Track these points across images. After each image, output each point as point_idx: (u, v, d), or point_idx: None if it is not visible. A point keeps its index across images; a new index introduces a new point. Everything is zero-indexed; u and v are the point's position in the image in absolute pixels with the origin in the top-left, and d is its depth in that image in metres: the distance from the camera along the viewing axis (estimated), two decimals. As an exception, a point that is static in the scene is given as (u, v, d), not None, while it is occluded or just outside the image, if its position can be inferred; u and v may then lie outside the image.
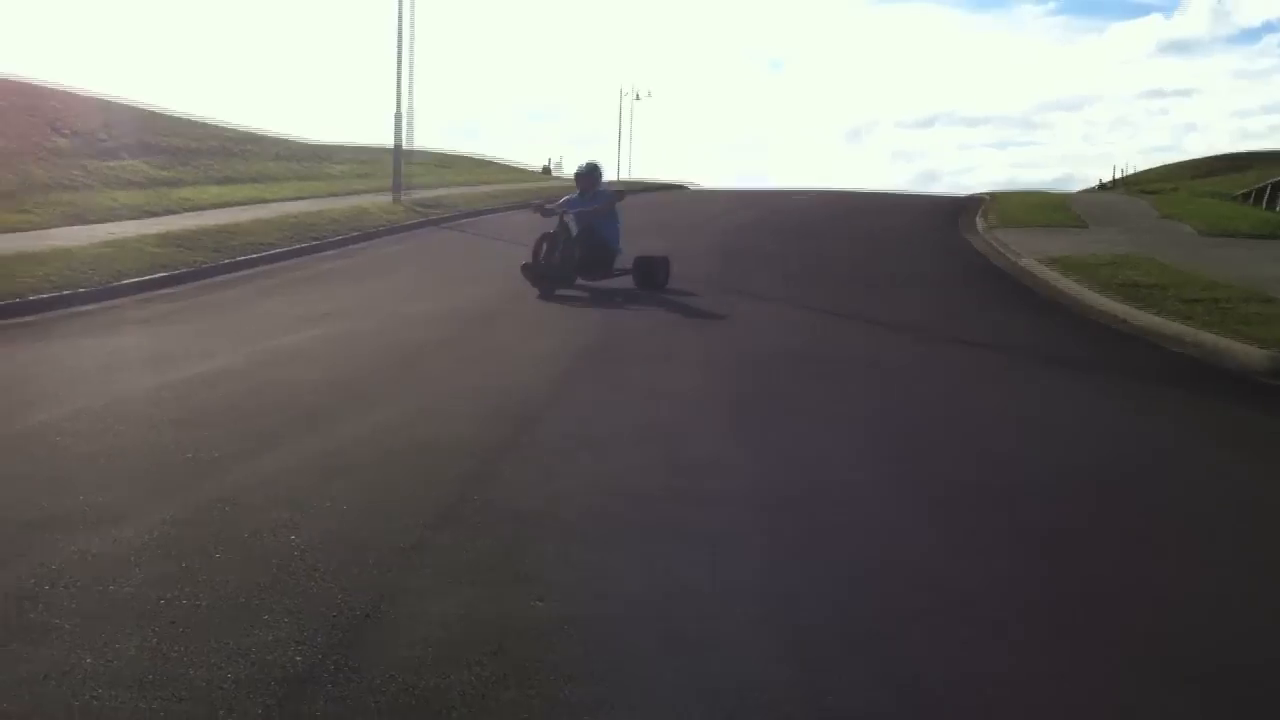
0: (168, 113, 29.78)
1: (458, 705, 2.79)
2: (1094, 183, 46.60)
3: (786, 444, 5.69)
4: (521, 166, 43.67)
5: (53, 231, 13.78)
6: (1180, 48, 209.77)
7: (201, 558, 3.76)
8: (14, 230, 13.60)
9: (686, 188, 37.57)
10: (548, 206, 12.18)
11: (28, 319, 9.22)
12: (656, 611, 3.42)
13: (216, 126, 30.48)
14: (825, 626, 3.39)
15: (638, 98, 51.81)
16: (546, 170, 45.30)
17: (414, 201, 21.63)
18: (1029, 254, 14.33)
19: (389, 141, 22.80)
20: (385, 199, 21.65)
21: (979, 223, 19.94)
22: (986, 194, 27.73)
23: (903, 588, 3.73)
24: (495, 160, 43.98)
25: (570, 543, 4.01)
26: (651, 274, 11.77)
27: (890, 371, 7.83)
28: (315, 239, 15.37)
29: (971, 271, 14.54)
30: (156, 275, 11.38)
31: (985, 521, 4.47)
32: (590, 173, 12.65)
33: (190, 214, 16.80)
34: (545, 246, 11.30)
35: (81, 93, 27.63)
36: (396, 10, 21.72)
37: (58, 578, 3.51)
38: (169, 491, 4.52)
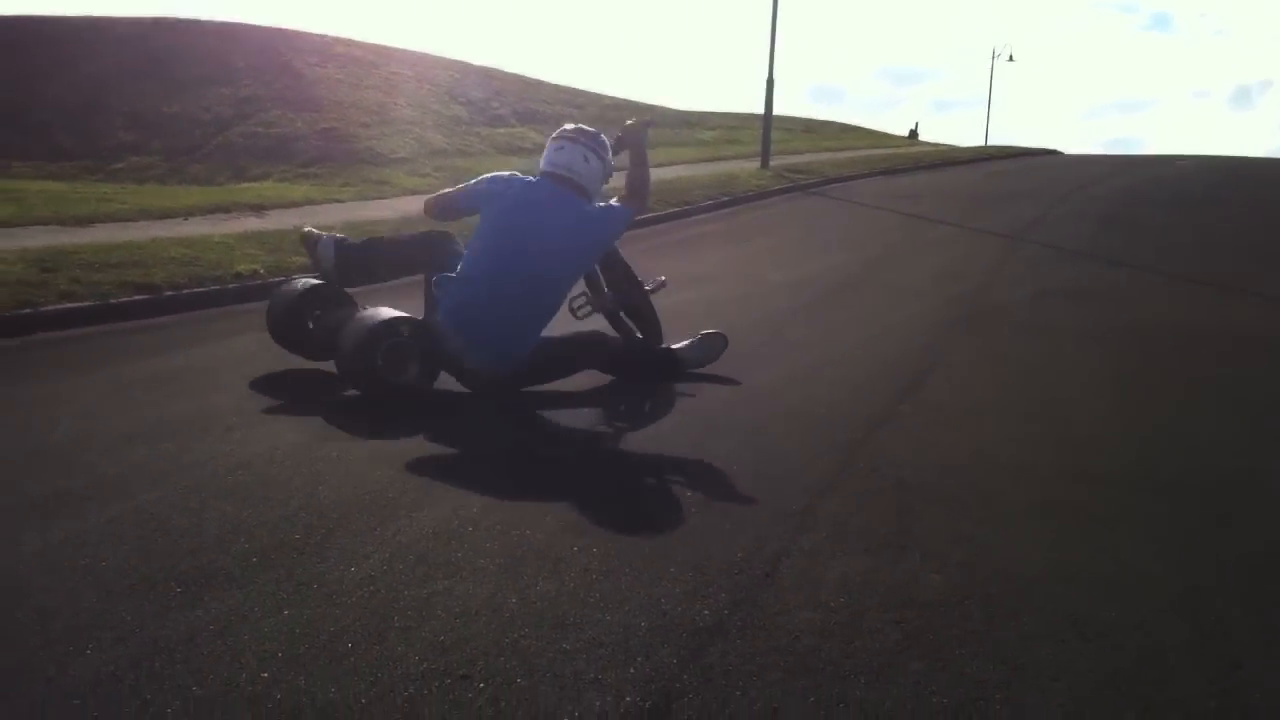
0: (548, 82, 31.17)
1: (863, 671, 2.74)
2: None
3: (1183, 429, 5.30)
4: (885, 132, 42.97)
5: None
6: None
7: (603, 508, 3.88)
8: (413, 193, 14.60)
9: (1060, 153, 35.89)
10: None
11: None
12: (1058, 594, 3.24)
13: (593, 94, 31.65)
14: (1240, 620, 3.11)
15: (1010, 59, 49.92)
16: (913, 134, 44.42)
17: (781, 167, 21.69)
18: None
19: (754, 108, 22.94)
20: (753, 165, 21.82)
21: None
22: None
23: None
24: (858, 126, 43.50)
25: (960, 517, 3.87)
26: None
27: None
28: (686, 203, 15.65)
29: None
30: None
31: None
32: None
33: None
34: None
35: (472, 64, 29.33)
36: (769, -24, 21.74)
37: (479, 520, 3.70)
38: (573, 433, 4.64)
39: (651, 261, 10.88)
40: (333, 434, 4.69)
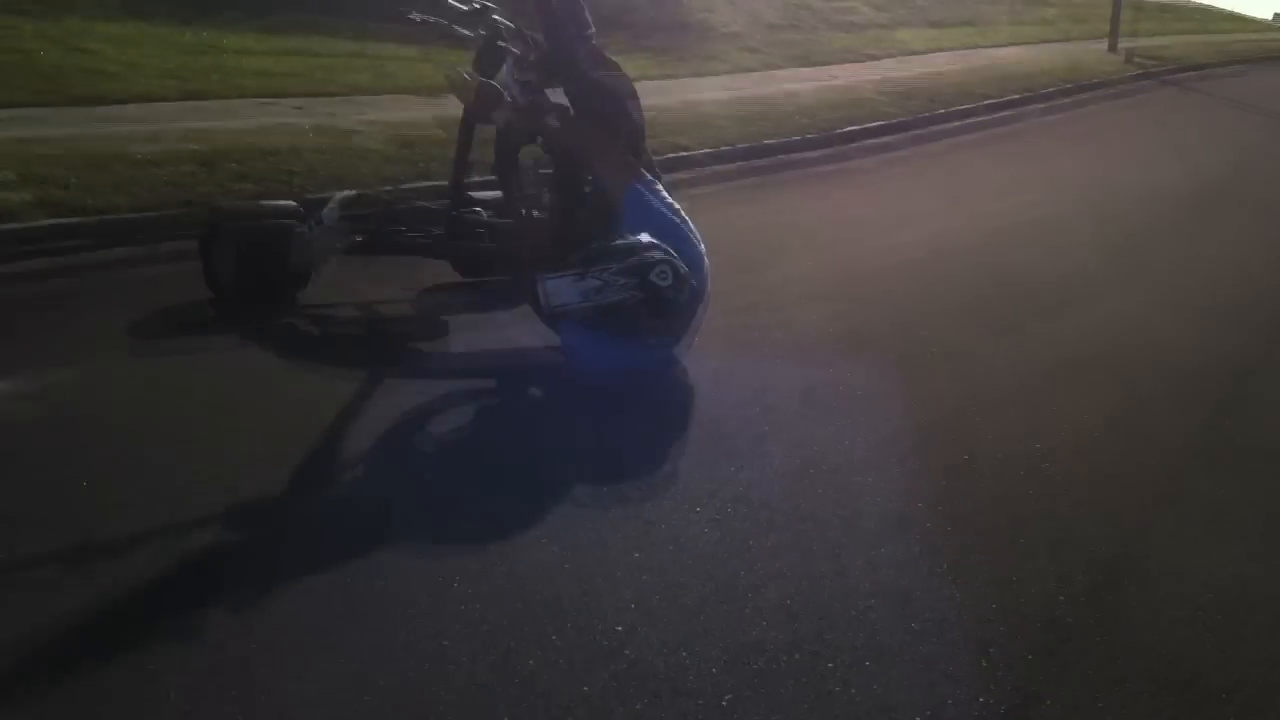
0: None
1: (1241, 689, 2.55)
2: None
3: None
4: (1246, 15, 39.37)
5: (779, 73, 14.49)
6: None
7: (939, 467, 3.74)
8: (745, 70, 14.48)
9: None
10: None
11: (758, 162, 9.73)
12: None
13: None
14: None
15: None
16: (1278, 18, 40.72)
17: (1131, 52, 20.24)
18: None
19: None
20: (1100, 47, 20.46)
21: None
22: None
23: None
24: (1213, 7, 40.05)
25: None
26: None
27: None
28: (1026, 91, 14.86)
29: None
30: (876, 124, 11.59)
31: None
32: None
33: (904, 59, 16.95)
34: None
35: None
36: None
37: (820, 465, 3.65)
38: (916, 384, 4.53)
39: (989, 160, 10.44)
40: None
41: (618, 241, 4.23)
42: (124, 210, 5.80)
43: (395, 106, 9.42)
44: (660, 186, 4.64)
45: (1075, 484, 3.60)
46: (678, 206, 4.60)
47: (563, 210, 4.71)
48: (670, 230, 4.42)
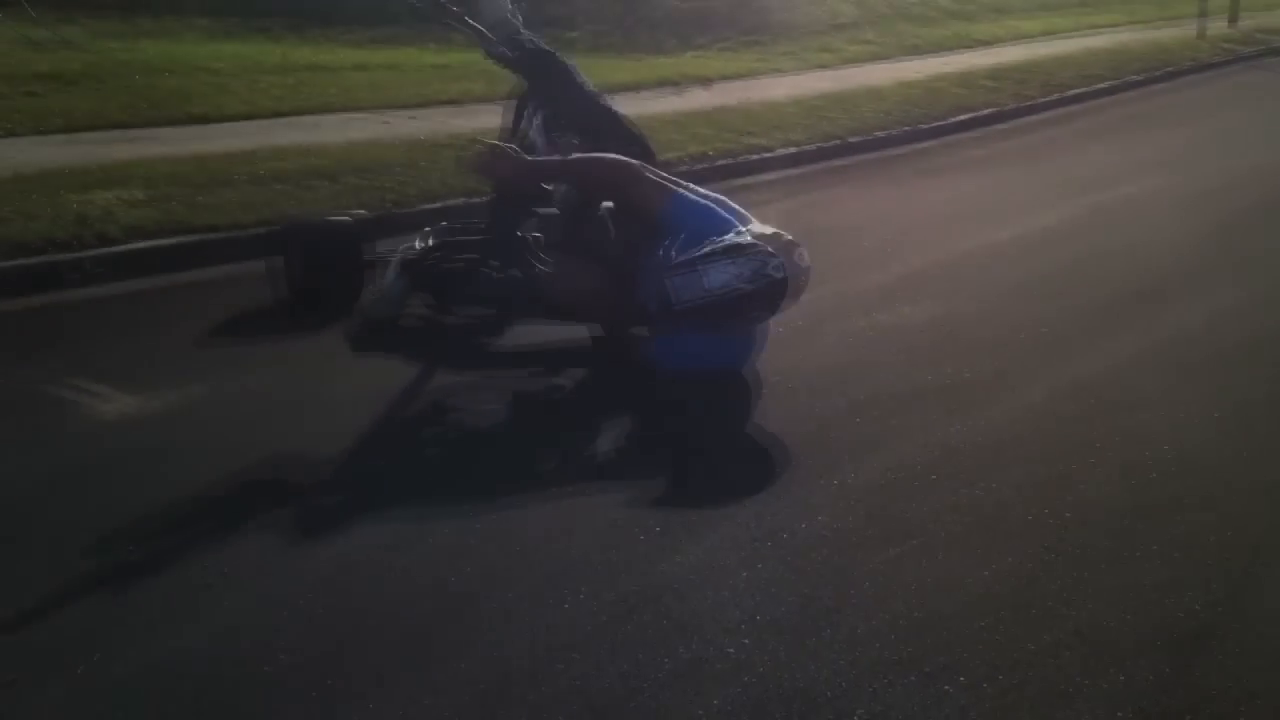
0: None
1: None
2: None
3: None
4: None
5: (886, 64, 14.34)
6: None
7: (1060, 464, 3.66)
8: (853, 62, 14.34)
9: None
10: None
11: (864, 156, 9.62)
12: None
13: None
14: None
15: None
16: None
17: (1252, 29, 19.52)
18: None
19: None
20: (1219, 24, 19.75)
21: None
22: None
23: None
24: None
25: None
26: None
27: None
28: (1144, 71, 14.48)
29: None
30: (987, 111, 11.39)
31: None
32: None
33: (1018, 43, 16.67)
34: None
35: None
36: None
37: (927, 472, 3.60)
38: (1029, 382, 4.44)
39: (1094, 146, 10.17)
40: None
41: (728, 238, 4.24)
42: (225, 228, 5.93)
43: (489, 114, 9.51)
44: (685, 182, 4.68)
45: (1204, 485, 3.50)
46: (719, 197, 4.61)
47: (625, 244, 4.67)
48: (727, 220, 4.42)
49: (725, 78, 12.32)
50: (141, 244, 5.62)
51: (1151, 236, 6.73)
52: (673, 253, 4.30)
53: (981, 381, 4.39)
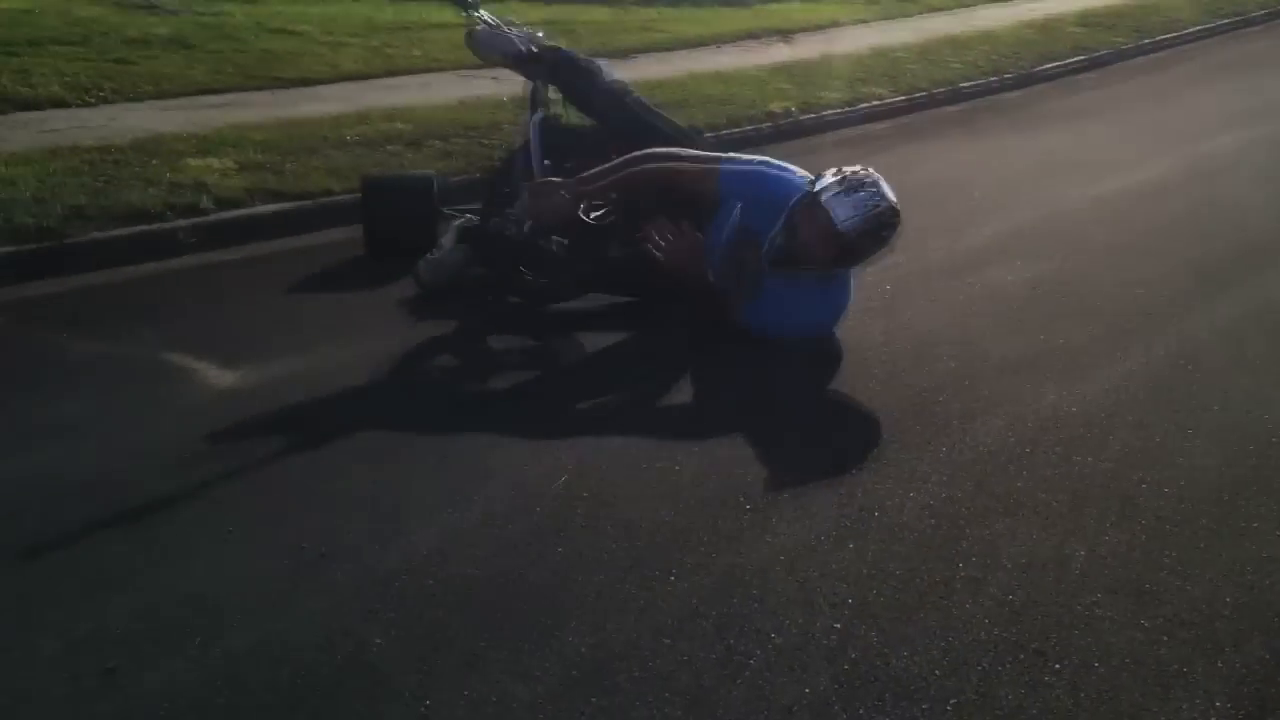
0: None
1: None
2: None
3: None
4: None
5: (972, 11, 14.05)
6: None
7: (1160, 434, 3.61)
8: (934, 10, 14.09)
9: None
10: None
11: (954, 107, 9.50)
12: None
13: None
14: None
15: None
16: None
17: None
18: None
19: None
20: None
21: None
22: None
23: None
24: None
25: None
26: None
27: None
28: (1236, 15, 14.06)
29: None
30: (1077, 59, 11.14)
31: None
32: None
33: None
34: None
35: None
36: None
37: (1037, 439, 3.57)
38: (1133, 348, 4.35)
39: (1202, 92, 9.89)
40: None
41: (827, 176, 4.12)
42: (336, 192, 5.99)
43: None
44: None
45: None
46: (763, 158, 4.56)
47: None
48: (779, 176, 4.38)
49: (805, 30, 12.20)
50: (236, 213, 5.69)
51: (1253, 191, 6.55)
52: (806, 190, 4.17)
53: (1078, 347, 4.33)
